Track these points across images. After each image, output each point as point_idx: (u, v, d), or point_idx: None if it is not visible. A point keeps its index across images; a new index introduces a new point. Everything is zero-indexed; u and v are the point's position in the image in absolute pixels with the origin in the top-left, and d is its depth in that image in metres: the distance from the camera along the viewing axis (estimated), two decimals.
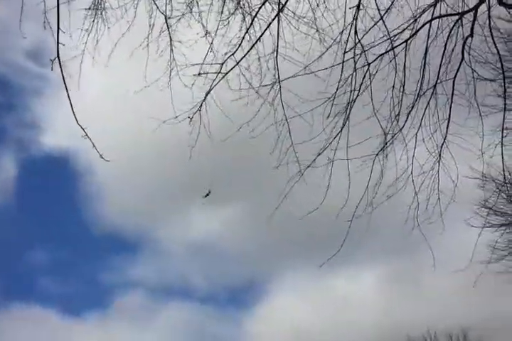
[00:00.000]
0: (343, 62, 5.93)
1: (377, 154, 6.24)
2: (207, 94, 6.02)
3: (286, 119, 5.95)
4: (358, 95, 6.05)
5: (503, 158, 6.74)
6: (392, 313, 41.20)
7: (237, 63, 5.92)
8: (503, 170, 6.89)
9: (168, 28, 5.78)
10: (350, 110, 6.03)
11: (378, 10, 5.84)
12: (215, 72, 5.92)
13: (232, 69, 5.93)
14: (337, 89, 5.89)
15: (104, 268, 63.53)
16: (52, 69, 4.86)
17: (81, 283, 59.07)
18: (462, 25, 6.09)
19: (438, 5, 6.02)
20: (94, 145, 5.09)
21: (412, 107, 6.08)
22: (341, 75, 5.91)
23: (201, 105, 6.10)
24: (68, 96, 4.92)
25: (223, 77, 5.90)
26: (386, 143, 6.31)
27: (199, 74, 5.86)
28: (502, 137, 6.68)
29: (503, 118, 6.70)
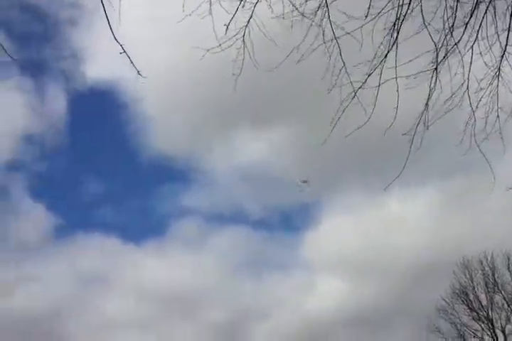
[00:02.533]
0: None
1: (432, 70, 5.97)
2: (250, 19, 5.82)
3: (336, 39, 5.71)
4: (407, 9, 5.71)
5: None
6: (447, 235, 40.76)
7: None
8: None
9: None
10: (400, 25, 5.73)
11: None
12: None
13: None
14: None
15: (156, 198, 65.44)
16: None
17: (136, 212, 61.45)
18: None
19: None
20: (131, 62, 4.86)
21: (469, 17, 5.70)
22: None
23: (244, 31, 5.92)
24: (105, 13, 4.67)
25: None
26: (439, 59, 6.01)
27: None
28: None
29: None
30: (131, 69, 5.01)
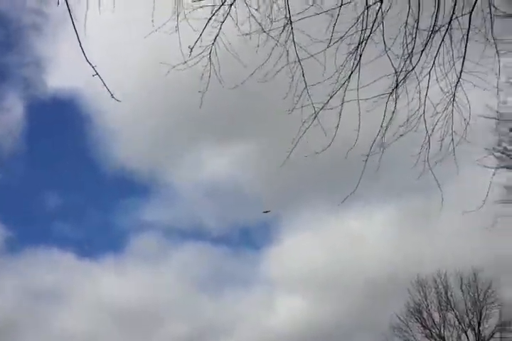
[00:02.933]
0: None
1: (390, 93, 6.18)
2: (216, 37, 5.92)
3: (299, 60, 5.86)
4: (370, 33, 5.92)
5: None
6: (404, 252, 41.66)
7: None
8: None
9: None
10: (362, 49, 5.93)
11: None
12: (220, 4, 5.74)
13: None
14: (350, 28, 5.77)
15: (116, 212, 63.82)
16: (58, 4, 4.65)
17: (95, 227, 59.44)
18: None
19: None
20: (104, 84, 4.95)
21: (426, 44, 5.96)
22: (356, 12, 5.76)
23: (211, 49, 6.02)
24: (75, 31, 4.71)
25: (228, 12, 5.74)
26: (398, 82, 6.23)
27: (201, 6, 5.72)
28: None
29: None
30: (95, 80, 5.03)
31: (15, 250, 61.49)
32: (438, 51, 6.18)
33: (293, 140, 6.28)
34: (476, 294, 32.43)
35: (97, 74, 5.10)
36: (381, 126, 6.39)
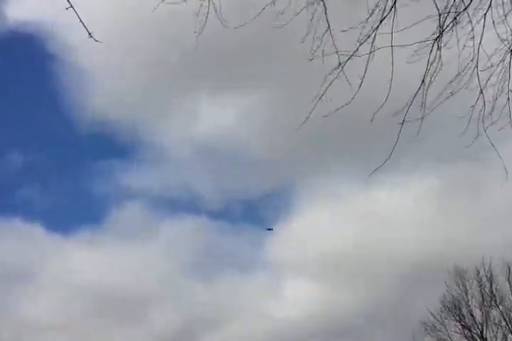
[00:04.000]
0: None
1: (435, 40, 5.06)
2: None
3: None
4: None
5: None
6: (442, 234, 35.01)
7: None
8: None
9: None
10: None
11: None
12: None
13: None
14: None
15: (93, 177, 51.45)
16: None
17: (67, 194, 48.69)
18: None
19: None
20: (81, 20, 4.26)
21: None
22: None
23: None
24: None
25: None
26: (444, 27, 5.12)
27: None
28: None
29: None
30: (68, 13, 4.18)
31: None
32: None
33: (314, 97, 5.25)
34: None
35: (72, 7, 4.38)
36: (422, 81, 5.29)
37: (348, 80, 5.10)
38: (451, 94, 5.32)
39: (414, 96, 5.29)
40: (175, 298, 41.78)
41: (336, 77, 5.20)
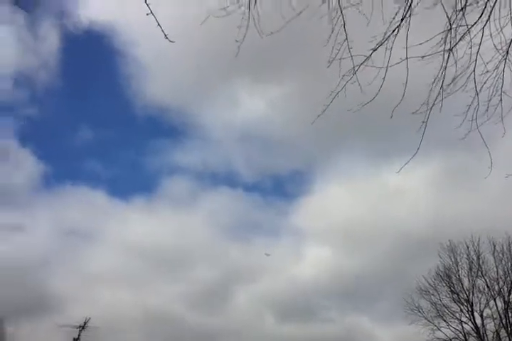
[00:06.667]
0: None
1: (449, 50, 5.80)
2: None
3: (341, 10, 5.51)
4: None
5: None
6: (441, 212, 40.06)
7: None
8: None
9: None
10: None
11: None
12: None
13: None
14: None
15: (148, 152, 61.90)
16: None
17: (127, 166, 58.41)
18: None
19: None
20: (159, 24, 4.91)
21: None
22: None
23: None
24: None
25: None
26: (453, 39, 5.85)
27: None
28: None
29: None
30: (131, 12, 4.92)
31: (50, 186, 60.38)
32: (494, 4, 5.72)
33: (331, 92, 6.04)
34: (508, 262, 31.88)
35: (151, 12, 4.99)
36: (441, 87, 6.04)
37: (359, 84, 5.87)
38: (453, 92, 6.08)
39: (435, 99, 6.05)
40: (214, 257, 49.66)
41: (350, 79, 5.98)
